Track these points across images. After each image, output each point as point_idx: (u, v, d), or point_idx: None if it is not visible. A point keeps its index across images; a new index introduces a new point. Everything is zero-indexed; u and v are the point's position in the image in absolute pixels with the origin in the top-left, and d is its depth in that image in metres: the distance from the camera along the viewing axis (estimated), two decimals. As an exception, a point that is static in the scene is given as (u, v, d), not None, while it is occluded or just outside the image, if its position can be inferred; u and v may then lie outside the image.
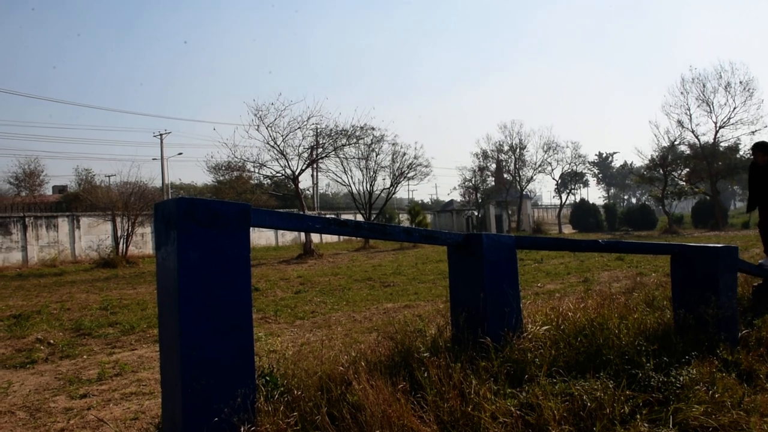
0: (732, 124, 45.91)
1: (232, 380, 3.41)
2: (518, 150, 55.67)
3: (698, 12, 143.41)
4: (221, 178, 36.74)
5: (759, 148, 8.61)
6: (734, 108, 45.25)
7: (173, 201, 3.42)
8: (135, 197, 27.06)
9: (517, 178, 56.46)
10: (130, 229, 26.68)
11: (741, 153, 47.97)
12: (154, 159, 52.66)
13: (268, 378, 4.16)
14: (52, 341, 8.57)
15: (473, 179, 57.18)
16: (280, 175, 29.97)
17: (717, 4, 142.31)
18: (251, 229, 3.70)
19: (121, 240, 26.54)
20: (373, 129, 33.56)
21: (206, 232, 3.38)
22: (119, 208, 26.91)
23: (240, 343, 3.48)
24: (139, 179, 29.45)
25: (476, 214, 58.25)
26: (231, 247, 3.48)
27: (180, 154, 57.75)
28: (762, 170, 8.53)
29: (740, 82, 44.84)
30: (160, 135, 51.84)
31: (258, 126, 27.23)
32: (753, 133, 45.89)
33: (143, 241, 31.27)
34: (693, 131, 47.60)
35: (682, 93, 47.61)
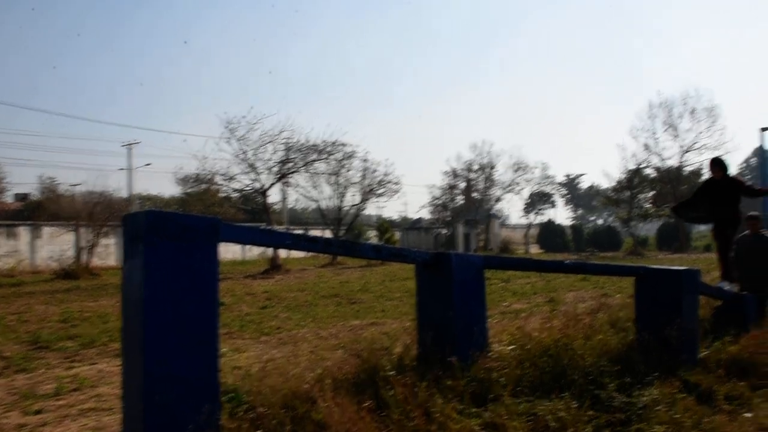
0: (696, 148, 46.68)
1: (196, 396, 3.36)
2: (488, 169, 56.15)
3: (666, 39, 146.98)
4: (189, 190, 36.38)
5: (716, 164, 8.85)
6: (699, 133, 46.06)
7: (142, 213, 3.39)
8: (100, 207, 26.60)
9: (486, 198, 56.87)
10: (94, 240, 26.21)
11: (704, 177, 49.00)
12: (121, 169, 51.79)
13: (232, 395, 4.12)
14: (7, 354, 8.36)
15: (442, 197, 57.50)
16: (249, 188, 29.79)
17: (684, 33, 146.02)
18: (217, 242, 3.68)
19: (85, 251, 26.05)
20: (344, 145, 33.56)
21: (175, 246, 3.35)
22: (83, 218, 26.42)
23: (205, 358, 3.45)
24: (105, 189, 28.95)
25: (445, 232, 58.46)
26: (199, 262, 3.45)
27: (148, 164, 57.11)
28: (718, 186, 8.72)
29: (705, 108, 45.80)
30: (129, 145, 51.19)
31: (229, 139, 27.11)
32: (716, 158, 46.86)
33: (107, 253, 30.66)
34: (659, 155, 48.47)
35: (649, 117, 48.36)
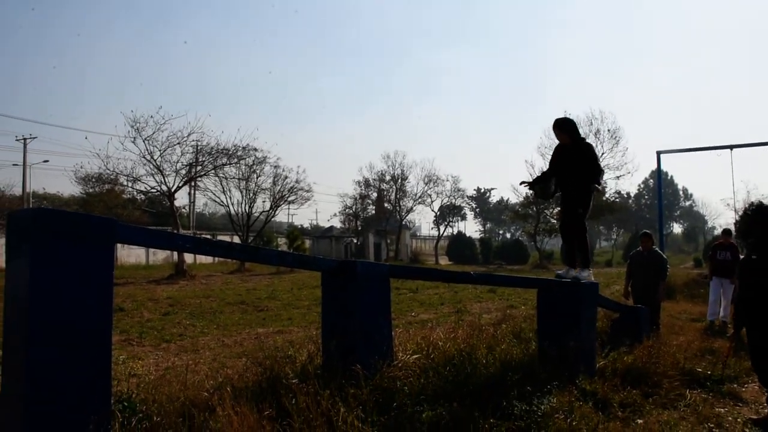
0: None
1: (84, 406, 3.18)
2: (400, 180, 56.71)
3: (571, 63, 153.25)
4: (91, 190, 34.90)
5: (559, 125, 6.95)
6: (602, 153, 47.70)
7: (30, 211, 3.20)
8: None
9: (398, 208, 57.38)
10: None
11: (607, 196, 51.22)
12: (15, 165, 48.54)
13: (125, 403, 3.92)
14: None
15: (354, 207, 57.63)
16: (155, 191, 28.90)
17: (588, 55, 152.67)
18: (120, 246, 3.51)
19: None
20: (255, 150, 33.14)
21: (65, 247, 3.15)
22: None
23: (95, 366, 3.27)
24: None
25: (355, 241, 58.58)
26: (92, 264, 3.27)
27: (46, 161, 53.08)
28: (567, 153, 6.94)
29: (608, 130, 47.49)
30: (24, 139, 48.25)
31: (135, 138, 26.18)
32: (618, 177, 48.74)
33: (-4, 253, 28.92)
34: (565, 172, 50.10)
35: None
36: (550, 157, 7.22)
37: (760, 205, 5.76)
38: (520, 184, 7.64)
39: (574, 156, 6.82)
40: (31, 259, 3.05)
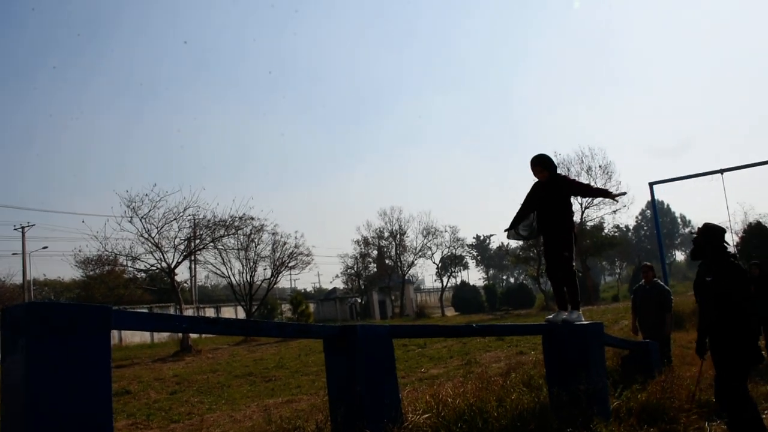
0: (595, 204, 48.25)
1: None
2: (398, 236, 56.80)
3: (557, 101, 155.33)
4: (91, 272, 34.90)
5: (538, 161, 6.72)
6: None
7: (23, 305, 3.20)
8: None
9: (399, 264, 57.29)
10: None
11: (605, 231, 51.19)
12: (14, 254, 48.45)
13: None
14: None
15: (355, 266, 57.52)
16: (155, 268, 28.85)
17: (573, 94, 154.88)
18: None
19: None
20: (252, 219, 33.23)
21: (61, 339, 3.14)
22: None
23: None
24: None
25: (360, 300, 58.27)
26: (89, 354, 3.25)
27: (45, 247, 52.22)
28: (544, 190, 6.79)
29: (600, 166, 47.71)
30: (22, 228, 48.33)
31: (131, 218, 26.28)
32: (614, 212, 48.90)
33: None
34: (560, 212, 50.25)
35: (548, 176, 50.52)
36: (526, 196, 7.04)
37: (706, 225, 5.59)
38: (504, 231, 7.30)
39: (552, 192, 6.69)
40: (26, 353, 3.03)
